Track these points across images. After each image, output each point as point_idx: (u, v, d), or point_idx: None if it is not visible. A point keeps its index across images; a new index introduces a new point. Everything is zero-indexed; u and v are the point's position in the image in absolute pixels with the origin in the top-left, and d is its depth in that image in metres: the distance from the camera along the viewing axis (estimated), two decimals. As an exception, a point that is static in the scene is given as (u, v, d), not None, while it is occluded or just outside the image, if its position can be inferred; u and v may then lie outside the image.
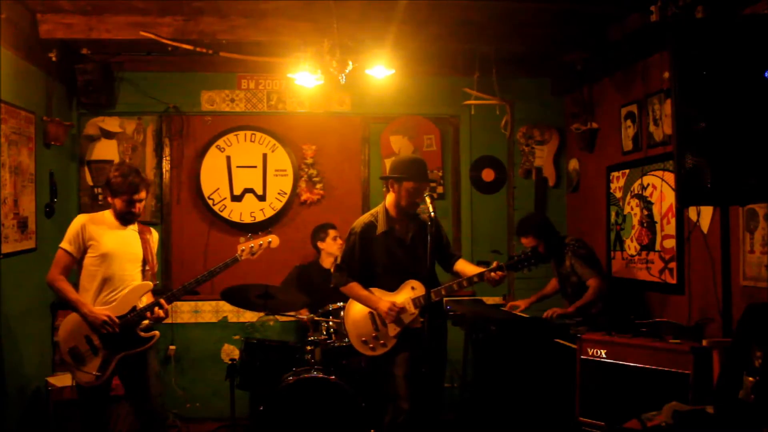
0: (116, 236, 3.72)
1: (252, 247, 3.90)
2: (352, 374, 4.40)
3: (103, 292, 3.66)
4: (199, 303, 5.65)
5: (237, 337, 5.62)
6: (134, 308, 3.66)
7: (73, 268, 3.72)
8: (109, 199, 3.74)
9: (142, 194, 3.72)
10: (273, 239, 3.97)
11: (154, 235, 3.93)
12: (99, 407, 3.76)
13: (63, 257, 3.68)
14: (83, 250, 3.67)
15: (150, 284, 3.79)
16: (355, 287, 3.91)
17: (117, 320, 3.59)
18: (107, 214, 3.78)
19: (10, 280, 4.32)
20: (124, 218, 3.74)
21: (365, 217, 4.00)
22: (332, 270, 4.05)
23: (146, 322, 3.73)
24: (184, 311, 5.63)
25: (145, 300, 3.73)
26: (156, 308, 3.66)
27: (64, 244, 3.68)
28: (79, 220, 3.73)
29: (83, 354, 3.63)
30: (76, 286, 3.70)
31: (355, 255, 3.91)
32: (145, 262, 3.79)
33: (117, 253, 3.69)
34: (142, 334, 3.72)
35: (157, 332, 3.79)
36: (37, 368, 4.78)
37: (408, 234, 3.91)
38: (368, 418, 4.16)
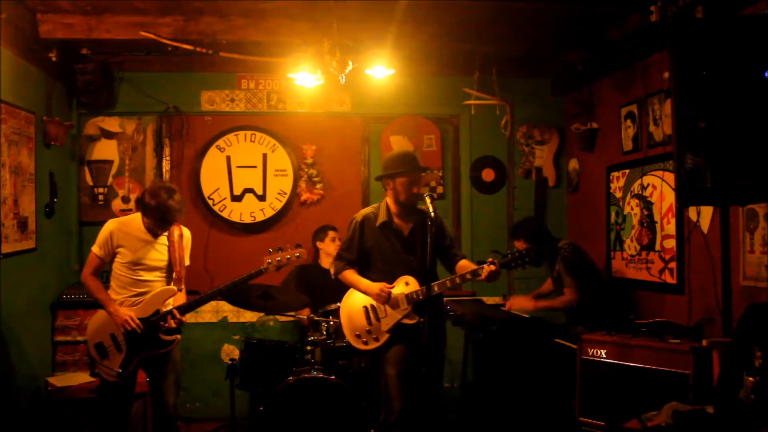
0: (143, 244, 3.79)
1: (279, 260, 3.83)
2: (352, 374, 4.40)
3: (130, 296, 3.76)
4: (199, 303, 5.65)
5: (237, 337, 5.63)
6: (157, 311, 3.75)
7: (105, 269, 3.86)
8: (140, 213, 3.81)
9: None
10: (301, 253, 3.85)
11: (185, 234, 3.96)
12: (121, 404, 3.83)
13: (94, 259, 3.82)
14: (112, 254, 3.79)
15: (173, 289, 3.86)
16: (350, 274, 3.99)
17: (138, 321, 3.68)
18: (137, 220, 3.83)
19: (10, 280, 4.32)
20: (152, 232, 3.81)
21: (367, 209, 4.12)
22: (332, 260, 4.11)
23: (169, 324, 3.79)
24: (184, 311, 5.63)
25: (170, 304, 3.82)
26: (168, 317, 3.73)
27: (95, 248, 3.81)
28: (108, 226, 3.82)
29: (107, 350, 3.75)
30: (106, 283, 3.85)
31: (354, 243, 4.00)
32: (170, 268, 3.85)
33: (143, 261, 3.77)
34: (164, 337, 3.78)
35: (178, 336, 3.86)
36: (37, 368, 4.78)
37: (407, 228, 3.95)
38: (368, 418, 4.16)
